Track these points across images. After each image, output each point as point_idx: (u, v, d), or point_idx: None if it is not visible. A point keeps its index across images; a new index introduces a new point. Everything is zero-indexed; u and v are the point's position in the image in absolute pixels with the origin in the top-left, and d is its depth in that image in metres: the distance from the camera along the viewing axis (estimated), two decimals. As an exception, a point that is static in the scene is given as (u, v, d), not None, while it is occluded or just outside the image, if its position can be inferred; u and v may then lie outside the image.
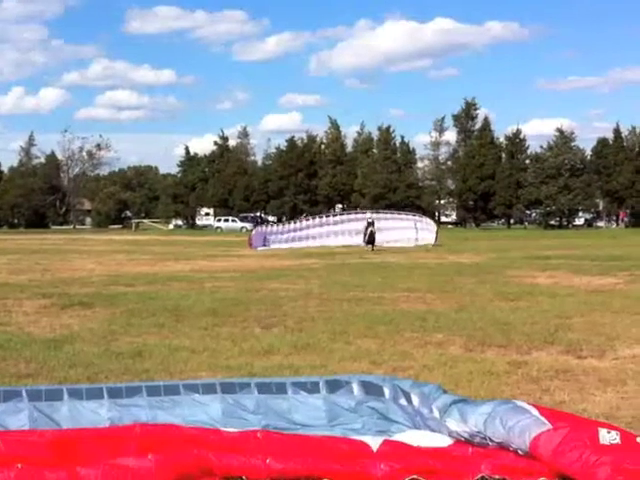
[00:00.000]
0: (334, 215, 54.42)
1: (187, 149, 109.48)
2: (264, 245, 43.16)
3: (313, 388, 5.19)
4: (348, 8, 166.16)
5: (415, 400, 5.03)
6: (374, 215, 43.76)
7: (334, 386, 5.22)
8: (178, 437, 4.38)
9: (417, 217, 49.31)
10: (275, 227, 50.87)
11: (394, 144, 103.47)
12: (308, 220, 50.84)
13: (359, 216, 47.49)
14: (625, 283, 17.65)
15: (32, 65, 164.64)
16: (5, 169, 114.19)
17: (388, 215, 49.76)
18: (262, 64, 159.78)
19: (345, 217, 50.14)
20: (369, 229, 38.04)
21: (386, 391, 5.13)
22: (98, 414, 5.00)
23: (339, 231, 46.59)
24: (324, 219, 50.03)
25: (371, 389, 5.18)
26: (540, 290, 16.10)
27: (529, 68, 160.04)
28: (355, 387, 5.18)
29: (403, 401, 5.06)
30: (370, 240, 37.26)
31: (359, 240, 41.35)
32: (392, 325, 11.18)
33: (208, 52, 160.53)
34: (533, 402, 5.41)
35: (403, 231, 45.18)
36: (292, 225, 49.99)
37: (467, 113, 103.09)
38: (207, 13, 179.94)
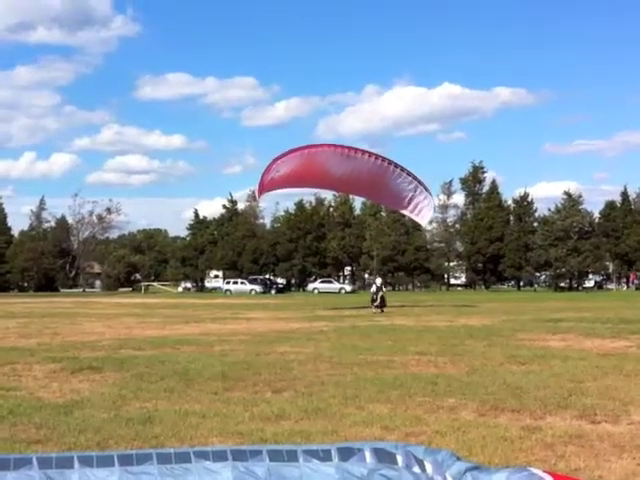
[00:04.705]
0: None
1: (196, 212, 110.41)
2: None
3: (325, 456, 5.13)
4: (356, 74, 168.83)
5: (428, 468, 4.94)
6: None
7: (346, 453, 5.13)
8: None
9: (420, 186, 39.31)
10: None
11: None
12: None
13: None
14: (637, 346, 17.51)
15: (44, 131, 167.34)
16: (16, 233, 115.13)
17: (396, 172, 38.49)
18: (271, 129, 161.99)
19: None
20: (379, 293, 38.62)
21: (399, 458, 5.05)
22: (108, 482, 4.96)
23: None
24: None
25: (383, 456, 5.09)
26: (552, 353, 15.98)
27: (536, 132, 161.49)
28: (367, 454, 5.11)
29: (416, 469, 4.98)
30: (381, 304, 37.76)
31: None
32: (403, 389, 11.11)
33: (218, 117, 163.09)
34: (548, 469, 5.33)
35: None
36: None
37: (475, 176, 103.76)
38: (218, 79, 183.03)
